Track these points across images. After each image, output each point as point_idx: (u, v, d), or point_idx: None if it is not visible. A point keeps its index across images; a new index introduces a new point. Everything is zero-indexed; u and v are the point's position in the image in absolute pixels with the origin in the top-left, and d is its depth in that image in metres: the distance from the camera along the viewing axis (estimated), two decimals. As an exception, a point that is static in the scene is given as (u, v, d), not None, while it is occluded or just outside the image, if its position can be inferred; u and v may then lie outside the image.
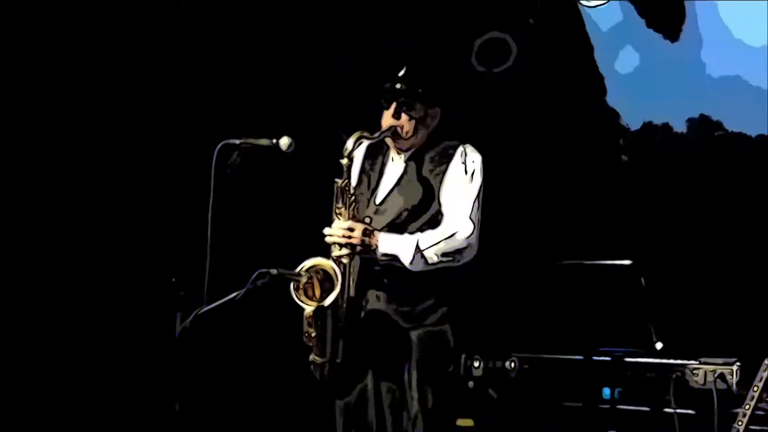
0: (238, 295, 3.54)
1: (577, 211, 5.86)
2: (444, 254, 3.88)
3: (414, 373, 3.90)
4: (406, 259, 3.87)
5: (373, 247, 3.86)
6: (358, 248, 3.86)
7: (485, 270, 4.26)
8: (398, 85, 3.99)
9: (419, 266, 3.88)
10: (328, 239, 3.89)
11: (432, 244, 3.88)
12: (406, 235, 3.90)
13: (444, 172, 3.99)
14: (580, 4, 5.83)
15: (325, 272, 3.79)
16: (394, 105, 4.00)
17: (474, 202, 3.95)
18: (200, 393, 3.96)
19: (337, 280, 3.75)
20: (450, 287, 3.98)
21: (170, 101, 5.66)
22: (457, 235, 3.90)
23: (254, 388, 5.73)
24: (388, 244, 3.87)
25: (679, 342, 4.74)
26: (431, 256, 3.87)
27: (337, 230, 3.87)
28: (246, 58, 5.86)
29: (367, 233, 3.87)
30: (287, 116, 5.45)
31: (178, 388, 3.75)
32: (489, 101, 6.00)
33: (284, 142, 3.86)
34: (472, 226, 3.91)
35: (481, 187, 3.98)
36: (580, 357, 4.80)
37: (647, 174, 5.82)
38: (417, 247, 3.86)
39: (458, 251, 3.90)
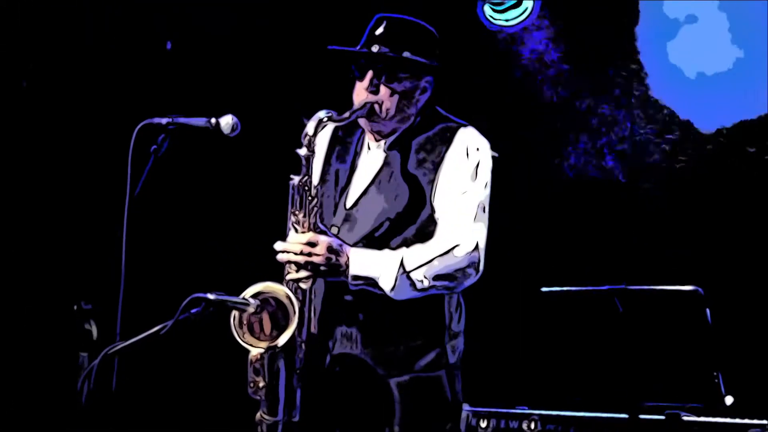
0: (163, 327, 3.18)
1: (617, 217, 5.69)
2: (438, 276, 3.49)
3: (398, 437, 3.64)
4: (386, 283, 3.46)
5: (342, 268, 3.47)
6: (322, 269, 3.46)
7: (494, 296, 4.16)
8: (375, 48, 3.59)
9: (405, 293, 3.49)
10: (281, 257, 3.47)
11: (422, 263, 3.47)
12: (386, 252, 3.51)
13: (438, 165, 3.59)
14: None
15: (277, 301, 3.39)
16: (369, 74, 3.60)
17: (478, 206, 3.55)
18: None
19: (294, 312, 3.36)
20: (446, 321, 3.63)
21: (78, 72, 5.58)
22: (455, 251, 3.49)
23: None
24: (362, 263, 3.48)
25: (756, 396, 4.53)
26: (421, 279, 3.47)
27: (293, 245, 3.45)
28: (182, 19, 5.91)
29: (334, 249, 3.46)
30: (232, 91, 5.26)
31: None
32: (501, 68, 5.83)
33: (226, 122, 3.52)
34: (476, 239, 3.51)
35: (488, 184, 3.60)
36: (624, 415, 4.44)
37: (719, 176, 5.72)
38: (402, 267, 3.46)
39: (457, 272, 3.50)
